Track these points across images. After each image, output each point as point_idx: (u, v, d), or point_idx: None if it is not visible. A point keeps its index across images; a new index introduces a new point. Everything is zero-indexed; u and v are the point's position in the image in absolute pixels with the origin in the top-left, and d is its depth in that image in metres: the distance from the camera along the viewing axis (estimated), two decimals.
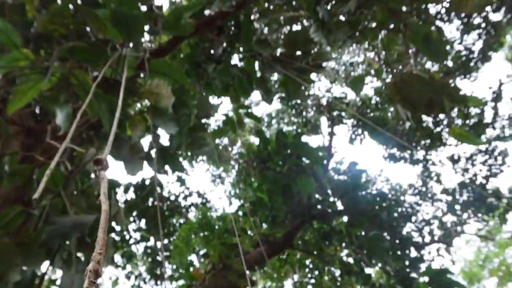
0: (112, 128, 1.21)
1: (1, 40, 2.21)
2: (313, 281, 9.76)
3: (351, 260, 8.98)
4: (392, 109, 10.89)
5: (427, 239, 10.21)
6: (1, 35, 2.13)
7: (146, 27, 4.32)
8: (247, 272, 8.19)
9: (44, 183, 0.95)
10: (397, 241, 8.96)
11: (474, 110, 9.62)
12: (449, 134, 3.51)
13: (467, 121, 9.42)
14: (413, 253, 9.17)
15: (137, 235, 9.58)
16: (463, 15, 8.61)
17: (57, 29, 2.22)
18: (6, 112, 2.42)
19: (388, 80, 3.35)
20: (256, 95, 12.54)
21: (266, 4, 5.93)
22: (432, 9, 8.84)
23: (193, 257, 9.28)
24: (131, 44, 2.43)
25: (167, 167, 3.56)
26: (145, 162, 2.92)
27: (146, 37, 4.42)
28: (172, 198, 10.45)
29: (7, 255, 2.14)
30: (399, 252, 8.79)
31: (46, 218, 2.61)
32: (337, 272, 9.21)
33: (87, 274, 0.68)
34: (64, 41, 2.36)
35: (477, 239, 14.36)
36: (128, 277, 10.01)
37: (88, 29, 2.42)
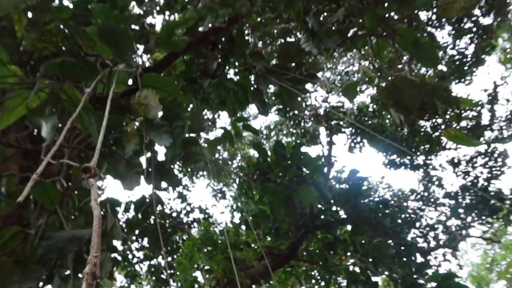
0: (99, 138, 1.23)
1: None
2: None
3: (357, 269, 8.90)
4: (390, 115, 10.93)
5: (433, 244, 10.13)
6: None
7: (140, 46, 4.38)
8: (253, 286, 8.11)
9: (29, 188, 0.96)
10: (402, 248, 8.89)
11: (471, 113, 9.67)
12: (445, 136, 3.52)
13: (465, 124, 9.45)
14: (419, 259, 9.09)
15: (140, 254, 9.52)
16: (453, 20, 8.72)
17: (47, 46, 2.26)
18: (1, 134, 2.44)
19: (381, 85, 3.38)
20: (253, 108, 12.62)
21: (258, 18, 6.01)
22: (423, 16, 8.97)
23: (197, 274, 9.20)
24: (121, 60, 2.47)
25: (164, 183, 3.57)
26: (142, 178, 2.93)
27: (142, 55, 4.49)
28: (174, 215, 10.42)
29: (4, 273, 2.14)
30: (404, 259, 8.71)
31: (42, 235, 2.61)
32: (344, 282, 9.11)
33: (84, 276, 0.69)
34: (54, 58, 2.40)
35: (483, 242, 14.24)
36: None
37: (78, 46, 2.46)
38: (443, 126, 9.78)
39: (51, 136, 2.21)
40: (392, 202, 10.72)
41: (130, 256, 9.29)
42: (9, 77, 2.19)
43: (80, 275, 2.58)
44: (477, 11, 8.80)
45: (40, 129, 2.37)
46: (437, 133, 9.99)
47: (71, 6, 4.22)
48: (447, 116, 8.80)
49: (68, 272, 2.86)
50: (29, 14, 3.13)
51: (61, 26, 2.40)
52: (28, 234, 2.78)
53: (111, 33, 2.20)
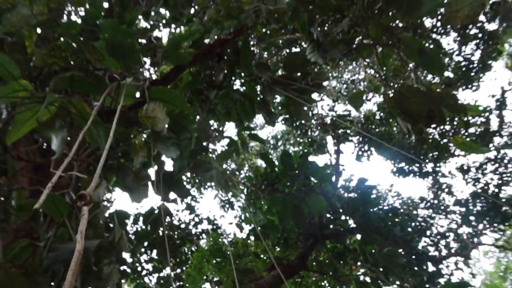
0: (99, 163, 1.24)
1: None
2: None
3: (367, 279, 8.79)
4: (397, 123, 10.87)
5: (444, 252, 9.98)
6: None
7: (147, 59, 4.45)
8: None
9: (44, 197, 0.98)
10: (413, 257, 8.77)
11: (479, 120, 9.59)
12: (452, 144, 3.50)
13: (473, 131, 9.37)
14: (431, 268, 8.97)
15: (149, 266, 9.50)
16: (459, 26, 8.71)
17: (56, 62, 2.31)
18: (7, 143, 2.48)
19: (387, 94, 3.39)
20: (260, 118, 12.66)
21: (264, 29, 6.07)
22: (428, 22, 8.98)
23: (206, 285, 9.16)
24: (129, 73, 2.50)
25: (173, 195, 3.58)
26: (150, 190, 2.95)
27: (149, 69, 4.55)
28: (183, 226, 10.41)
29: (13, 285, 2.16)
30: (416, 268, 8.59)
31: (50, 247, 2.63)
32: None
33: None
34: (64, 73, 2.45)
35: (496, 250, 14.00)
36: None
37: (86, 60, 2.51)
38: (451, 133, 9.72)
39: (61, 150, 2.24)
40: (402, 210, 10.61)
41: (139, 268, 9.29)
42: (20, 92, 2.24)
43: None
44: (482, 17, 8.79)
45: (50, 143, 2.40)
46: (445, 140, 9.91)
47: (79, 21, 4.31)
48: (455, 123, 8.75)
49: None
50: (38, 29, 3.19)
51: (70, 41, 2.45)
52: (38, 247, 2.80)
53: (119, 47, 2.24)
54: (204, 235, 10.68)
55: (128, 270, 8.81)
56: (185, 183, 11.65)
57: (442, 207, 10.89)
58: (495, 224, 9.92)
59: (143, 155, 2.57)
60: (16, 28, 2.69)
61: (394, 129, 11.15)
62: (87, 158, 3.72)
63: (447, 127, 9.67)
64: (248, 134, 5.97)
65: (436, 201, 11.08)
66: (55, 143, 2.25)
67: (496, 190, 9.97)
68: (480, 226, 10.15)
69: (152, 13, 6.82)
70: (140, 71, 2.79)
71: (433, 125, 2.99)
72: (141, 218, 8.87)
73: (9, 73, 2.15)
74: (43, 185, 4.27)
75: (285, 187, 8.62)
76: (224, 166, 12.00)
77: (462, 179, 10.63)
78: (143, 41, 4.63)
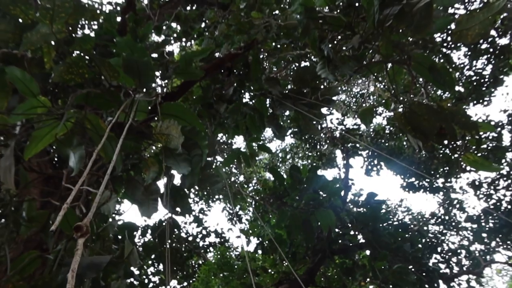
0: (105, 179, 1.25)
1: (20, 89, 2.34)
2: None
3: None
4: (407, 138, 10.78)
5: (456, 270, 9.78)
6: (20, 84, 2.27)
7: (158, 73, 4.50)
8: None
9: (61, 217, 0.99)
10: (424, 274, 8.61)
11: (491, 135, 9.48)
12: (463, 161, 3.47)
13: (485, 146, 9.26)
14: (442, 286, 8.79)
15: (156, 279, 9.46)
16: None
17: (73, 78, 2.36)
18: (24, 160, 2.52)
19: (397, 110, 3.38)
20: (269, 131, 12.67)
21: (273, 44, 6.12)
22: (438, 37, 8.97)
23: None
24: (143, 89, 2.54)
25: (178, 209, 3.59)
26: (159, 204, 2.95)
27: (158, 82, 4.60)
28: (190, 239, 10.37)
29: None
30: (426, 286, 8.43)
31: (60, 261, 2.64)
32: None
33: None
34: (80, 89, 2.50)
35: (509, 268, 13.68)
36: None
37: (102, 77, 2.56)
38: (462, 148, 9.58)
39: (79, 167, 2.27)
40: (412, 226, 10.47)
41: (146, 281, 9.24)
42: (38, 108, 2.28)
43: None
44: (493, 32, 8.76)
45: (67, 159, 2.43)
46: (456, 155, 9.80)
47: (92, 34, 4.39)
48: (467, 138, 8.63)
49: None
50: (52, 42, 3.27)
51: (86, 57, 2.51)
52: (47, 259, 2.82)
53: (135, 65, 2.28)
54: (211, 248, 10.63)
55: (135, 283, 8.78)
56: (193, 195, 11.65)
57: (454, 223, 10.72)
58: (508, 242, 9.72)
59: (154, 171, 2.59)
60: (36, 46, 2.76)
61: (404, 143, 11.07)
62: (97, 172, 3.75)
63: (458, 142, 9.56)
64: (258, 146, 5.98)
65: (447, 217, 10.91)
66: (73, 160, 2.29)
67: (509, 207, 9.80)
68: (493, 244, 9.96)
69: (164, 27, 6.94)
70: (153, 86, 2.83)
71: (444, 143, 2.97)
72: (149, 231, 8.87)
73: (29, 90, 2.20)
74: (53, 196, 4.32)
75: (294, 201, 8.57)
76: (232, 179, 11.99)
77: (474, 195, 10.48)
78: (155, 55, 4.71)
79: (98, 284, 2.76)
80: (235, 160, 5.97)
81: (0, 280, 2.77)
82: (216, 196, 11.12)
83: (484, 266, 9.94)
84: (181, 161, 2.60)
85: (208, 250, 10.38)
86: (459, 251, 10.02)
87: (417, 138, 3.04)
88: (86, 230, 0.99)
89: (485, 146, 9.34)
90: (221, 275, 9.02)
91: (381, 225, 8.78)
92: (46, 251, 3.05)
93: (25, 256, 2.97)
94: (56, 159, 4.59)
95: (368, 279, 8.86)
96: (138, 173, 3.82)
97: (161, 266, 9.18)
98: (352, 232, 8.90)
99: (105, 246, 3.67)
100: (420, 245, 9.15)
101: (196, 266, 9.90)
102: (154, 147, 5.43)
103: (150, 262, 9.18)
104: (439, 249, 10.03)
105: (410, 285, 7.82)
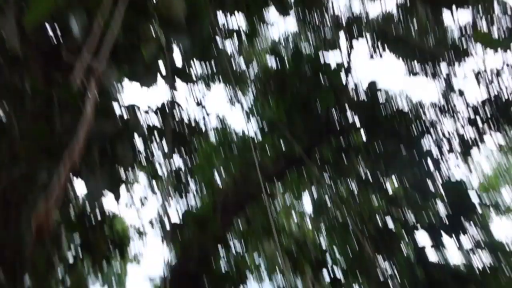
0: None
1: None
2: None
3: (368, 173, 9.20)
4: (415, 26, 10.22)
5: (446, 152, 10.20)
6: None
7: None
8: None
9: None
10: (415, 155, 9.04)
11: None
12: (473, 37, 3.36)
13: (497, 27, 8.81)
14: (431, 166, 9.27)
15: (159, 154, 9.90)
16: None
17: None
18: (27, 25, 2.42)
19: None
20: (271, 14, 11.98)
21: None
22: None
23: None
24: None
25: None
26: (158, 77, 2.95)
27: None
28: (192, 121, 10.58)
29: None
30: (416, 165, 8.91)
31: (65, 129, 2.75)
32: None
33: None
34: None
35: (497, 153, 14.28)
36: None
37: None
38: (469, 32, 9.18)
39: (82, 33, 2.18)
40: (409, 114, 10.58)
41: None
42: None
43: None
44: None
45: (67, 30, 2.34)
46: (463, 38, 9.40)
47: None
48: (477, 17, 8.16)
49: None
50: None
51: None
52: (55, 128, 2.94)
53: None
54: (212, 131, 10.92)
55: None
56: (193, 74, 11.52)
57: (451, 109, 10.81)
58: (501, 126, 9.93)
59: (154, 46, 2.52)
60: None
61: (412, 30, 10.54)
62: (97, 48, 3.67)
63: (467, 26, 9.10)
64: (257, 17, 5.70)
65: (445, 103, 10.96)
66: (76, 26, 2.18)
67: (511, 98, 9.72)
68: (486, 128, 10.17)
69: None
70: None
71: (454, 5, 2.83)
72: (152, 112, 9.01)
73: None
74: (54, 72, 4.28)
75: (295, 86, 8.55)
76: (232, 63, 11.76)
77: (475, 82, 10.36)
78: None
79: (106, 152, 2.91)
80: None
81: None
82: (216, 78, 11.08)
83: (472, 146, 10.26)
84: (181, 32, 2.52)
85: (210, 130, 10.67)
86: (451, 134, 10.31)
87: (426, 3, 2.89)
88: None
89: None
90: (222, 154, 9.48)
91: (379, 113, 8.93)
92: (51, 121, 3.15)
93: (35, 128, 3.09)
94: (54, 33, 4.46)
95: (361, 160, 9.35)
96: (137, 52, 3.74)
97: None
98: (349, 115, 9.09)
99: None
100: (415, 130, 9.42)
101: (198, 145, 10.30)
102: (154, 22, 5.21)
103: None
104: (433, 133, 10.32)
105: (401, 163, 8.29)
